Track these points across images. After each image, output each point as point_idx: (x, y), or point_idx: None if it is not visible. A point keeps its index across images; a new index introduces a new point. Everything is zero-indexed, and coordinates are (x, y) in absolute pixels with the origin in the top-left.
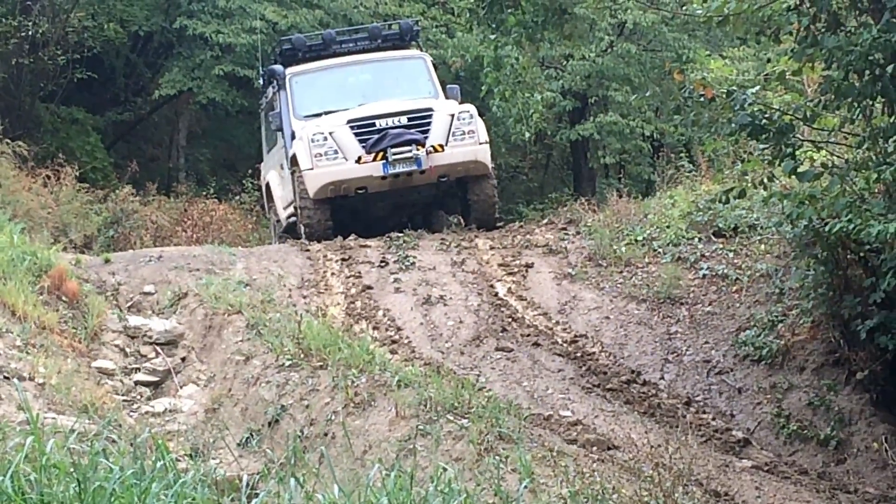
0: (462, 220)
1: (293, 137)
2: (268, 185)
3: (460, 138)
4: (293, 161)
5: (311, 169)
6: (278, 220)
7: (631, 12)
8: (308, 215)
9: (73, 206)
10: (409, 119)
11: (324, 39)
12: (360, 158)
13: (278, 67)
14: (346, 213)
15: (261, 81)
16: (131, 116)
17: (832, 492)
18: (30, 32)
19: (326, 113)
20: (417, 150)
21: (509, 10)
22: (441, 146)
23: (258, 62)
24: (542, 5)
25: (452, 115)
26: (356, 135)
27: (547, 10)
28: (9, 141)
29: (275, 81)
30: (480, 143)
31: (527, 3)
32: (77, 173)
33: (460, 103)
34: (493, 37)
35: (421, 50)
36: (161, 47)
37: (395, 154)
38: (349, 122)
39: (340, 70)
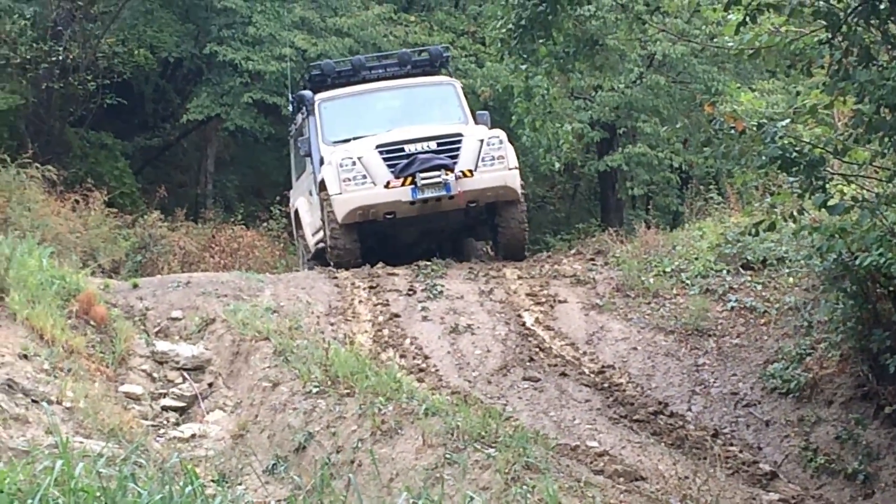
0: (491, 248)
1: (322, 163)
2: (296, 212)
3: (490, 164)
4: (322, 186)
5: (340, 194)
6: (306, 247)
7: (661, 44)
8: (336, 240)
9: (101, 231)
10: (439, 144)
11: (353, 65)
12: (388, 183)
13: (307, 93)
14: (374, 239)
15: (290, 108)
16: (160, 142)
17: None
18: (60, 57)
19: (355, 138)
20: (446, 175)
21: (541, 41)
22: (470, 171)
23: (287, 89)
24: (573, 36)
25: (482, 141)
26: (385, 160)
27: (578, 41)
28: (38, 165)
29: (304, 107)
30: (510, 169)
31: (558, 34)
32: (106, 198)
33: (490, 129)
34: (523, 67)
35: (450, 76)
36: (190, 73)
37: (423, 179)
38: (378, 146)
39: (370, 96)
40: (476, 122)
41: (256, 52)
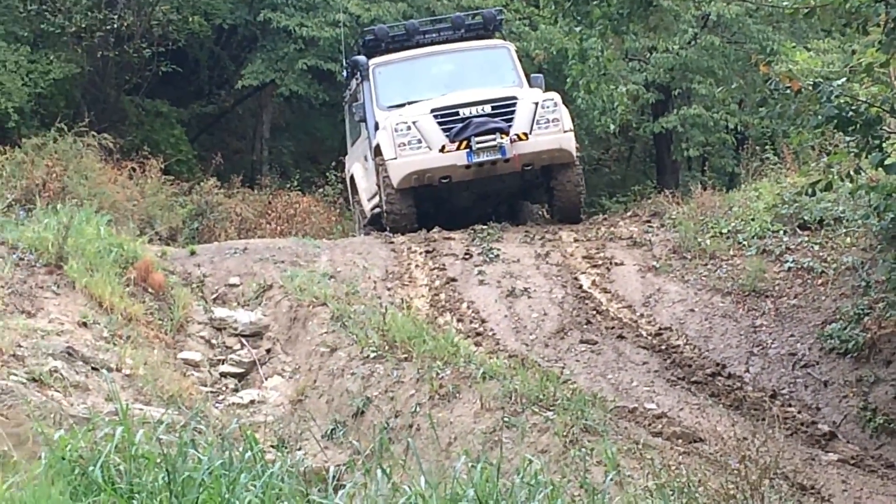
0: (547, 211)
1: (377, 128)
2: (352, 178)
3: (545, 126)
4: (377, 151)
5: (395, 158)
6: (362, 212)
7: (715, 4)
8: (392, 205)
9: (158, 199)
10: (493, 108)
11: (407, 30)
12: (443, 147)
13: (361, 58)
14: (429, 204)
15: (344, 73)
16: (215, 109)
17: None
18: (115, 26)
19: (410, 103)
20: (501, 138)
21: (595, 3)
22: (525, 134)
23: (341, 55)
24: None
25: (536, 104)
26: (440, 124)
27: (632, 3)
28: (95, 134)
29: (358, 72)
30: (565, 132)
31: None
32: (162, 166)
33: (544, 92)
34: (577, 29)
35: (504, 39)
36: (245, 40)
37: (478, 143)
38: (433, 111)
39: (424, 60)
40: (530, 85)
41: (310, 18)
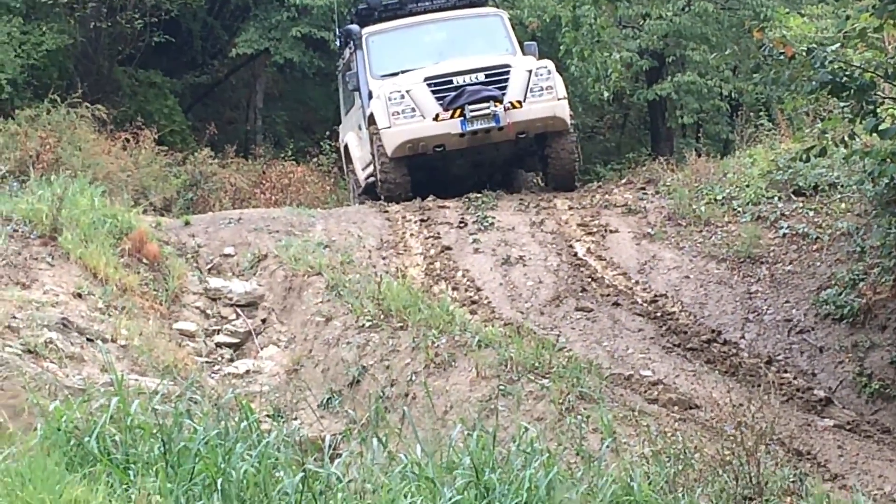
0: (541, 180)
1: (370, 97)
2: (346, 147)
3: (538, 94)
4: (371, 120)
5: (389, 127)
6: (357, 181)
7: None
8: (386, 174)
9: (152, 169)
10: (487, 76)
11: None
12: (437, 116)
13: (354, 27)
14: (424, 172)
15: (337, 42)
16: (209, 79)
17: None
18: None
19: (403, 72)
20: (495, 106)
21: None
22: (519, 102)
23: (335, 23)
24: None
25: (530, 72)
26: (433, 92)
27: None
28: (88, 105)
29: (351, 41)
30: (559, 99)
31: None
32: (156, 136)
33: (538, 60)
34: None
35: (497, 7)
36: (237, 9)
37: (472, 111)
38: (426, 79)
39: (417, 28)
40: (524, 53)
41: None
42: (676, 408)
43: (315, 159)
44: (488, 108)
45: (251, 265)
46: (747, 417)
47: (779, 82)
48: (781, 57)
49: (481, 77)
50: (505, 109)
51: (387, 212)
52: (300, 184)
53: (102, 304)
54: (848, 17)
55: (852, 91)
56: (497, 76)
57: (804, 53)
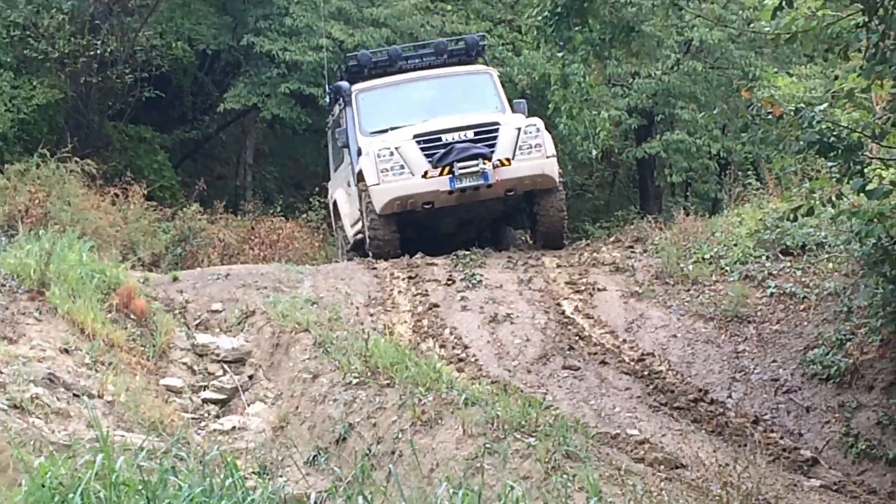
0: (530, 238)
1: (360, 153)
2: (335, 203)
3: (527, 152)
4: (360, 177)
5: (378, 184)
6: (345, 238)
7: (697, 30)
8: (375, 230)
9: (141, 224)
10: (476, 133)
11: (390, 55)
12: (426, 173)
13: (344, 84)
14: (412, 229)
15: (327, 99)
16: (199, 135)
17: None
18: (98, 51)
19: (393, 129)
20: (484, 164)
21: (577, 28)
22: (508, 160)
23: (325, 80)
24: (609, 23)
25: (519, 129)
26: (422, 149)
27: (614, 28)
28: (78, 159)
29: (341, 98)
30: (548, 157)
31: (594, 21)
32: (145, 191)
33: (527, 118)
34: (560, 54)
35: (487, 65)
36: (228, 65)
37: (461, 168)
38: (415, 136)
39: (407, 86)
40: (513, 111)
41: (294, 43)
42: (663, 467)
43: (304, 215)
44: (477, 165)
45: (239, 321)
46: (734, 477)
47: (767, 142)
48: (770, 116)
49: (470, 135)
50: (494, 167)
51: (375, 268)
52: (289, 240)
53: (89, 359)
54: (836, 78)
55: (840, 151)
56: (486, 134)
57: (792, 113)
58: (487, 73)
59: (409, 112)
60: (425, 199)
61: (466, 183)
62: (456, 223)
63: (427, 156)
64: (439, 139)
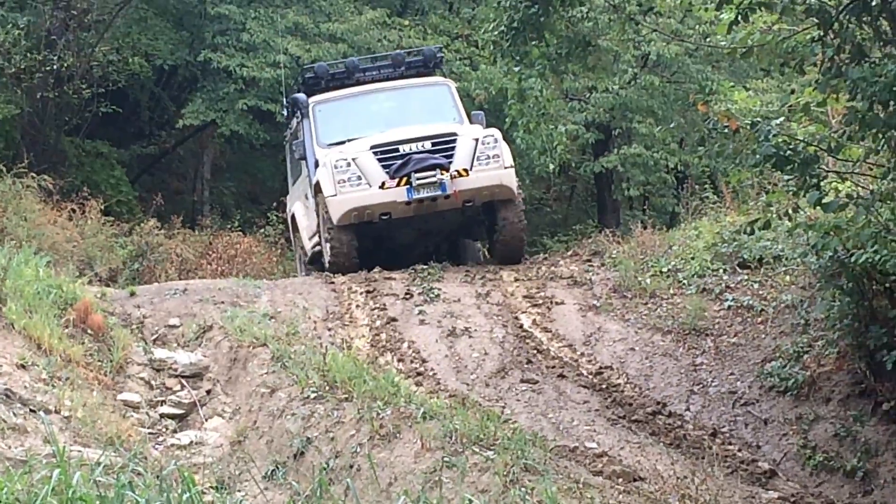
0: (488, 251)
1: (317, 165)
2: (293, 216)
3: (485, 163)
4: (317, 189)
5: (335, 195)
6: (303, 251)
7: (654, 44)
8: (332, 241)
9: (98, 240)
10: (433, 144)
11: (347, 67)
12: (383, 184)
13: (301, 96)
14: (370, 241)
15: (284, 112)
16: (156, 150)
17: None
18: (55, 67)
19: (350, 140)
20: (441, 174)
21: (533, 43)
22: (466, 171)
23: (282, 96)
24: (565, 38)
25: (477, 140)
26: (380, 160)
27: (571, 43)
28: (34, 175)
29: (298, 110)
30: (506, 168)
31: (551, 36)
32: (102, 207)
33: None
34: (517, 69)
35: (444, 77)
36: (185, 81)
37: (419, 179)
38: (372, 147)
39: (364, 98)
40: (471, 122)
41: (251, 59)
42: (621, 480)
43: (262, 230)
44: (435, 176)
45: (196, 336)
46: (692, 490)
47: (724, 155)
48: (726, 130)
49: (428, 145)
50: (451, 178)
51: (333, 283)
52: (247, 255)
53: (46, 374)
54: (792, 92)
55: (796, 164)
56: (444, 144)
57: (749, 127)
58: (445, 85)
59: (366, 123)
60: (383, 210)
61: (424, 194)
62: (414, 234)
63: (384, 167)
64: (397, 150)
